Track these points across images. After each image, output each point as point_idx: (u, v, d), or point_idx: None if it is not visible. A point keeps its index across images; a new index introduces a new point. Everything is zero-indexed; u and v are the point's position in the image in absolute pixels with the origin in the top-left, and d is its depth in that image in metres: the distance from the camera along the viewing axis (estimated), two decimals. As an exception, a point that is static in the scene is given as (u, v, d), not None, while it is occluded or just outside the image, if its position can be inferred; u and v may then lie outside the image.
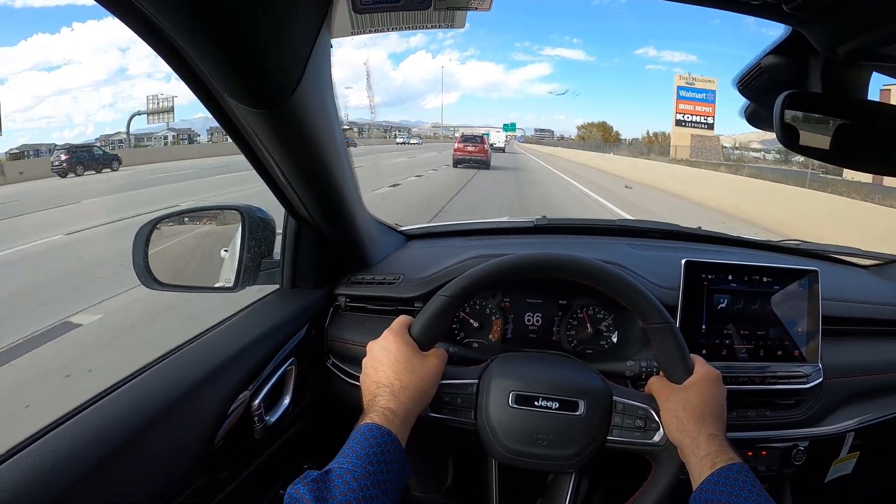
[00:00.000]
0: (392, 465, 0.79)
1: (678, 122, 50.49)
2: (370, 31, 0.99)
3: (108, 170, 26.18)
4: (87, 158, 25.91)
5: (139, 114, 57.92)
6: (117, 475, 0.80)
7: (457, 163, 26.31)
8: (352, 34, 0.98)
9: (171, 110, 56.25)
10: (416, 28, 1.01)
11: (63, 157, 24.93)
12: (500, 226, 1.79)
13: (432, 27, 1.01)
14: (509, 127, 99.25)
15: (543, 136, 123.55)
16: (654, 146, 56.82)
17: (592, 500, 1.41)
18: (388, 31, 1.00)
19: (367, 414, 0.85)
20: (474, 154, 26.75)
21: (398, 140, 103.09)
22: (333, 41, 0.87)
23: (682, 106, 50.41)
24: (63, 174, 24.02)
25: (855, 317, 1.43)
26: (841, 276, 1.69)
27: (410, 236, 1.70)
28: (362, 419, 0.84)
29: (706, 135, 49.56)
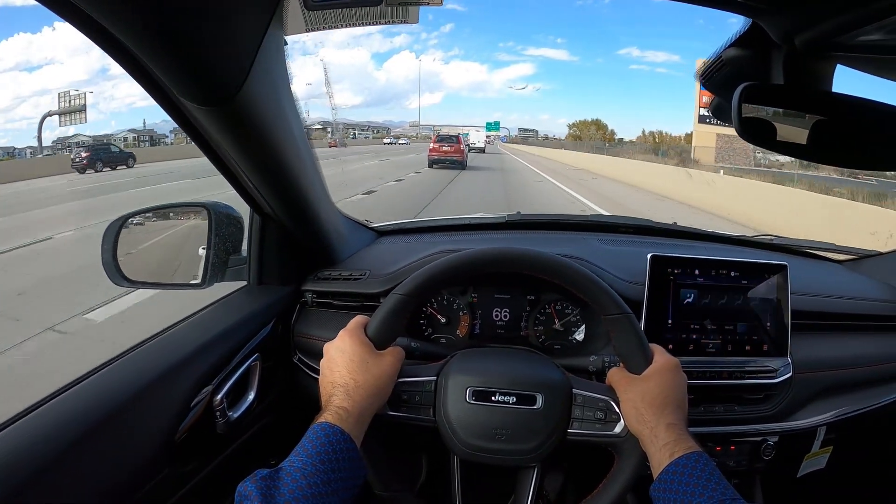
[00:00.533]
0: (344, 464, 0.78)
1: (702, 119, 40.13)
2: (324, 28, 0.98)
3: (124, 166, 26.87)
4: (104, 156, 26.83)
5: (50, 114, 52.60)
6: (78, 468, 0.80)
7: (432, 163, 25.72)
8: (306, 31, 0.98)
9: (83, 109, 50.59)
10: (369, 24, 0.99)
11: (83, 154, 25.95)
12: (472, 221, 1.77)
13: (386, 23, 1.00)
14: (493, 126, 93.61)
15: (528, 136, 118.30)
16: (660, 147, 48.43)
17: (567, 492, 1.40)
18: (341, 27, 0.99)
19: (322, 413, 0.85)
20: (449, 154, 25.99)
21: (385, 141, 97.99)
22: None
23: (706, 98, 41.28)
24: (82, 170, 24.75)
25: (827, 311, 1.41)
26: (814, 270, 1.67)
27: (382, 232, 1.69)
28: (317, 419, 0.84)
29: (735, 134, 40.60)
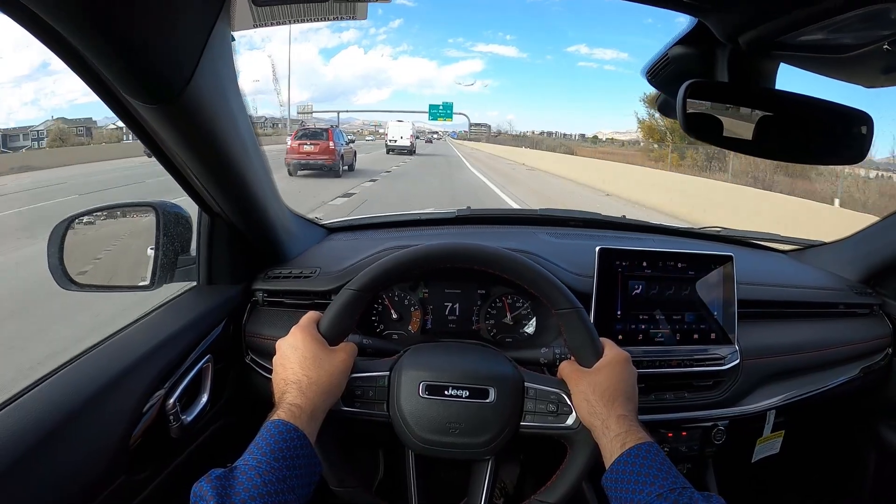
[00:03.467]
0: (299, 461, 0.76)
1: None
2: (272, 24, 0.94)
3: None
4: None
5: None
6: (30, 480, 0.76)
7: (294, 169, 17.66)
8: (254, 27, 0.94)
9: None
10: (318, 20, 0.96)
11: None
12: (423, 217, 1.74)
13: (334, 19, 0.97)
14: (440, 111, 60.17)
15: (480, 132, 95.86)
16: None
17: (525, 484, 1.40)
18: (290, 23, 0.95)
19: (276, 411, 0.83)
20: (314, 156, 17.53)
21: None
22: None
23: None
24: (150, 155, 25.49)
25: (773, 300, 1.44)
26: (760, 261, 1.70)
27: (332, 229, 1.64)
28: (270, 416, 0.82)
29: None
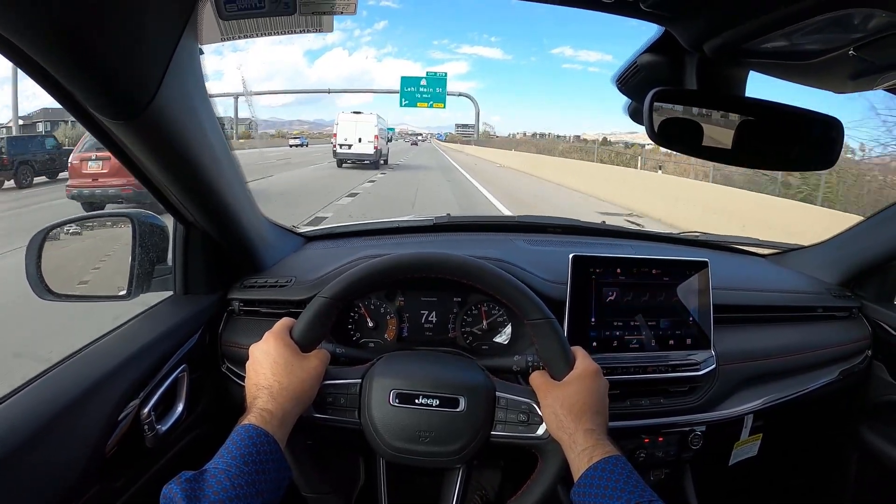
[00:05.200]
0: (268, 466, 0.76)
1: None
2: (240, 37, 0.93)
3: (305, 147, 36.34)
4: (303, 140, 36.07)
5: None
6: (5, 488, 0.76)
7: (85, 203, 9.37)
8: (222, 40, 0.93)
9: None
10: (284, 33, 0.96)
11: (295, 140, 35.80)
12: (400, 225, 1.73)
13: (301, 31, 0.97)
14: (422, 91, 34.42)
15: (468, 134, 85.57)
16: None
17: (505, 490, 1.38)
18: (257, 36, 0.94)
19: (246, 415, 0.83)
20: (109, 182, 9.00)
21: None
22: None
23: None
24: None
25: (749, 304, 1.43)
26: (738, 265, 1.69)
27: (310, 238, 1.63)
28: (241, 421, 0.82)
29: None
